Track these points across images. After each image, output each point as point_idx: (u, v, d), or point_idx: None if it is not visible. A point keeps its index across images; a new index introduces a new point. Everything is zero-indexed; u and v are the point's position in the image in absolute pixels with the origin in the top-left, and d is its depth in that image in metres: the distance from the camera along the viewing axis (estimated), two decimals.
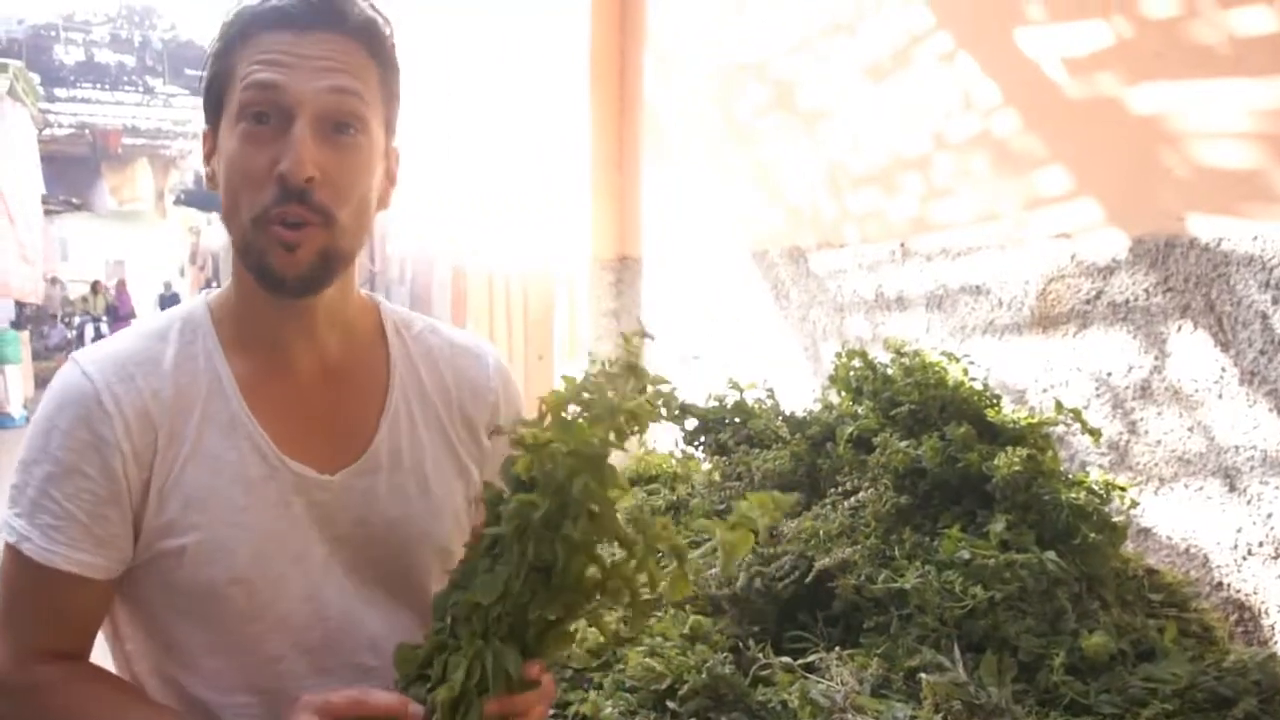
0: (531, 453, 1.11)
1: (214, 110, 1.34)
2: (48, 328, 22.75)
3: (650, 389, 1.13)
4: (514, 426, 1.13)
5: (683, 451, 3.51)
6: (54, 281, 22.72)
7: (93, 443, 1.29)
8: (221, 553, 1.31)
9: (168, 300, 24.44)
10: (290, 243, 1.27)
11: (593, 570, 1.14)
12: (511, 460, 1.15)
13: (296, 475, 1.36)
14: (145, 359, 1.35)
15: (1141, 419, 2.92)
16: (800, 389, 4.17)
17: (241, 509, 1.33)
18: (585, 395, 1.11)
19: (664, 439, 3.82)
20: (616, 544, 1.15)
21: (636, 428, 1.11)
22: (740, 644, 2.28)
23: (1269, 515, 2.58)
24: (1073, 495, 2.40)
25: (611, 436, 1.10)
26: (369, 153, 1.33)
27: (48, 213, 22.48)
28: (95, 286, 24.30)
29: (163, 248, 41.50)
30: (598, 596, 1.16)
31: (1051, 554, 2.25)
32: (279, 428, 1.37)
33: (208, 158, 1.38)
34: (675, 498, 3.16)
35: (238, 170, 1.28)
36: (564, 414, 1.11)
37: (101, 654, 1.41)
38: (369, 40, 1.32)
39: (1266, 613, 2.59)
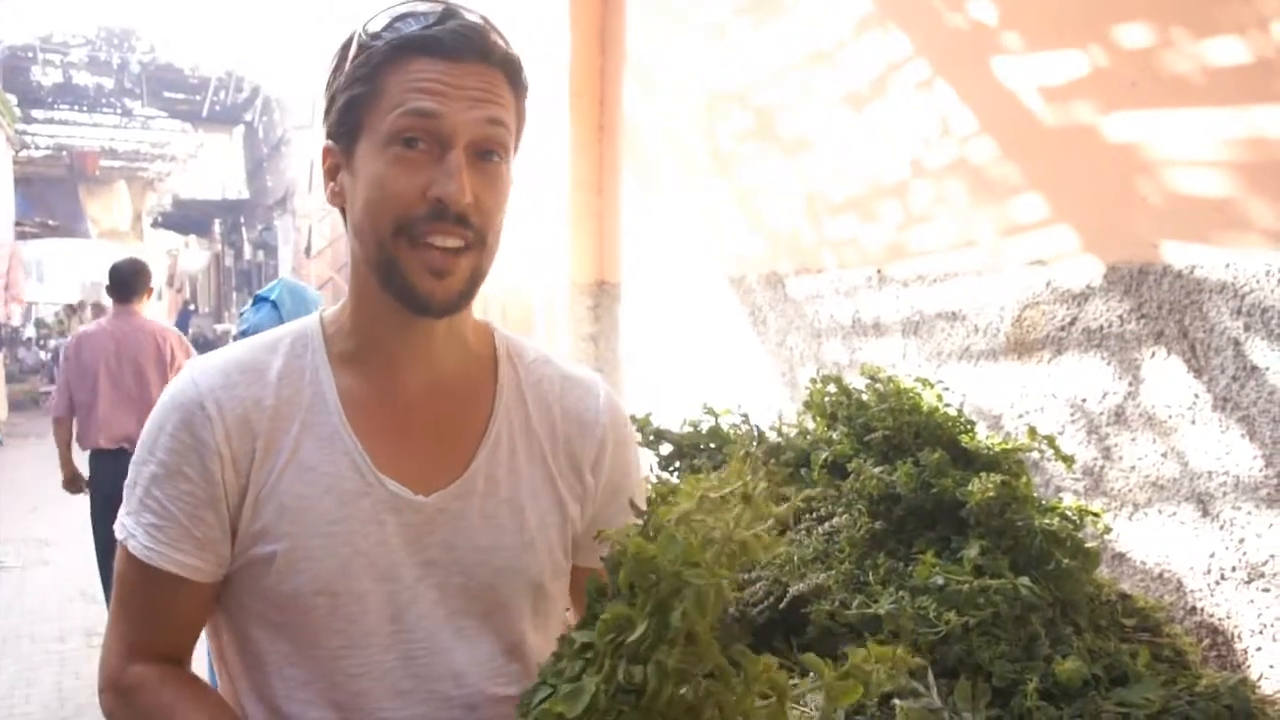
0: (634, 564, 1.08)
1: (350, 129, 1.35)
2: (22, 350, 22.63)
3: (766, 523, 1.10)
4: (622, 530, 1.12)
5: (658, 477, 3.51)
6: (31, 304, 22.59)
7: (193, 445, 1.33)
8: (309, 562, 1.33)
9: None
10: (441, 269, 1.31)
11: (686, 694, 1.09)
12: (614, 558, 1.13)
13: (391, 493, 1.37)
14: (250, 367, 1.39)
15: (1116, 444, 2.93)
16: (777, 414, 4.17)
17: (333, 521, 1.34)
18: (698, 518, 1.08)
19: None
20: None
21: (745, 558, 1.09)
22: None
23: (1241, 540, 2.59)
24: (1046, 521, 2.40)
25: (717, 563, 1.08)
26: (507, 178, 1.38)
27: (24, 235, 22.39)
28: (70, 309, 24.16)
29: None
30: None
31: (1025, 579, 2.25)
32: (378, 445, 1.38)
33: (333, 173, 1.40)
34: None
35: (384, 190, 1.30)
36: (672, 527, 1.09)
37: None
38: (511, 71, 1.37)
39: (1239, 637, 2.60)
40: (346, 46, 1.36)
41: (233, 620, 1.41)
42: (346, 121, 1.35)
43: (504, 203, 1.37)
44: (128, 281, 6.09)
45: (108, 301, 6.50)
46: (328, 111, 1.39)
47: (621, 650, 1.07)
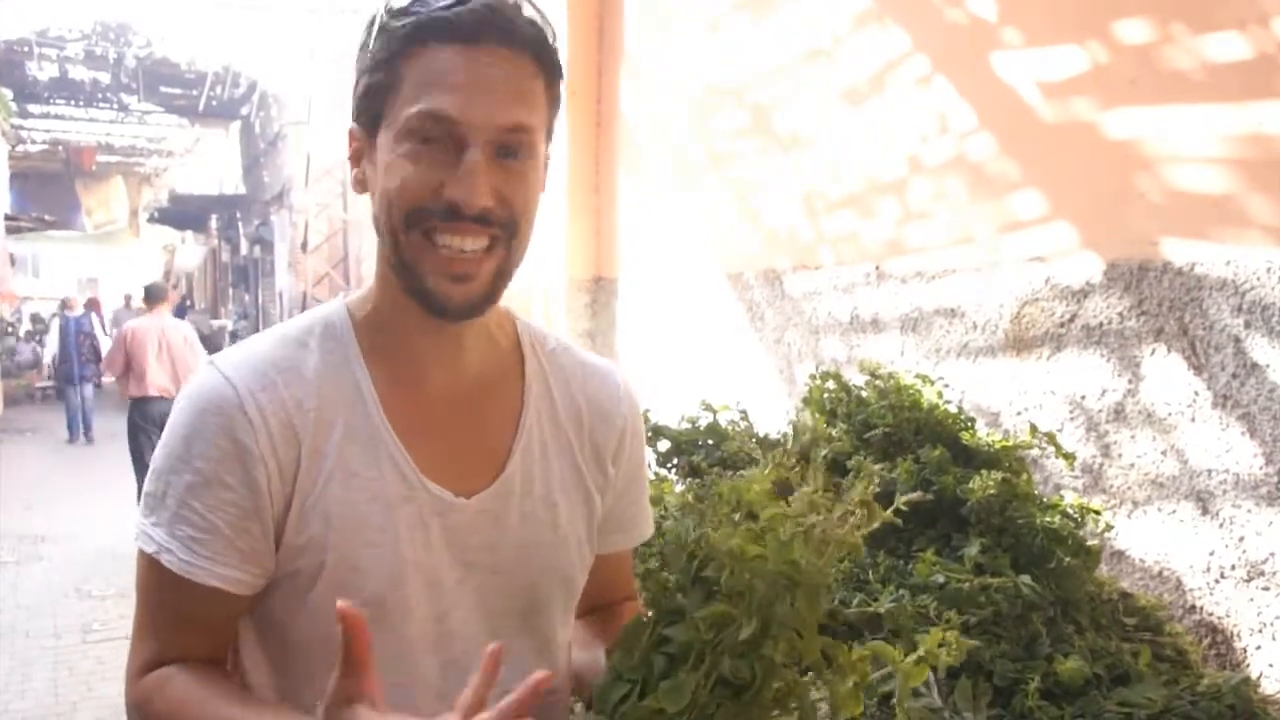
0: (735, 564, 1.08)
1: (372, 117, 1.28)
2: (20, 345, 22.57)
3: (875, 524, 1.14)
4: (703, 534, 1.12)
5: (655, 473, 3.50)
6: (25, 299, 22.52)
7: (235, 453, 1.24)
8: (357, 573, 1.27)
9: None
10: (461, 274, 1.25)
11: (780, 687, 1.11)
12: (683, 552, 1.13)
13: (435, 497, 1.32)
14: (288, 366, 1.31)
15: (1115, 442, 2.92)
16: (775, 411, 4.17)
17: (380, 529, 1.28)
18: (808, 518, 1.10)
19: None
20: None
21: (848, 555, 1.11)
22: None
23: (1241, 539, 2.58)
24: (1047, 519, 2.39)
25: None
26: (536, 173, 1.31)
27: (19, 229, 22.34)
28: (65, 304, 24.09)
29: (136, 265, 41.32)
30: (776, 712, 1.13)
31: (1026, 578, 2.24)
32: (418, 446, 1.33)
33: (356, 159, 1.34)
34: None
35: (398, 184, 1.24)
36: (783, 528, 1.10)
37: None
38: (537, 52, 1.27)
39: (1239, 636, 2.59)
40: (371, 24, 1.29)
41: (266, 637, 1.35)
42: (367, 108, 1.29)
43: (534, 194, 1.31)
44: (153, 293, 9.86)
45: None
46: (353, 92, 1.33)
47: (723, 647, 1.07)
